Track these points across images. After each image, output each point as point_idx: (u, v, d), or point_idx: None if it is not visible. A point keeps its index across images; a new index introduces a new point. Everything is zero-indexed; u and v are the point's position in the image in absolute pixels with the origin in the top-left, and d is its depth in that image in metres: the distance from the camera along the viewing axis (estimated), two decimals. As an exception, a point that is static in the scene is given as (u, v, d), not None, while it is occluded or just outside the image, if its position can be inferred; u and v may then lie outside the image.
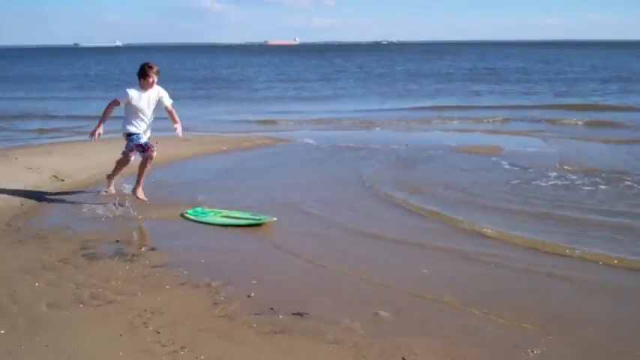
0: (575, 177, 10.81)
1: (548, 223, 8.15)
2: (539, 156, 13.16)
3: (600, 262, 6.62)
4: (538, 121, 19.53)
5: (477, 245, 7.24)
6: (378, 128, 18.67)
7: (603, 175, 10.85)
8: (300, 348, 4.66)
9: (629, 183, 10.32)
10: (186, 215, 8.46)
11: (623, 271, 6.43)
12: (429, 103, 25.94)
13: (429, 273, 6.35)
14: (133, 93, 8.88)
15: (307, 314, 5.22)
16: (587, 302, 5.68)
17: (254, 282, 5.99)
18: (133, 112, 8.98)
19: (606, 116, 20.09)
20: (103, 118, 8.94)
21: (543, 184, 10.36)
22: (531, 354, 4.60)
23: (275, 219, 8.06)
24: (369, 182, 10.58)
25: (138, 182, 9.17)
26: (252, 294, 5.68)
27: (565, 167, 11.60)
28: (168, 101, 9.21)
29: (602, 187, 10.10)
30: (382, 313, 5.27)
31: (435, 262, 6.73)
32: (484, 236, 7.57)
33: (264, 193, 9.86)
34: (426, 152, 13.53)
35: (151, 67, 8.88)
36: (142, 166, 9.09)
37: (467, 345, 4.72)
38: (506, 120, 20.06)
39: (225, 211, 8.61)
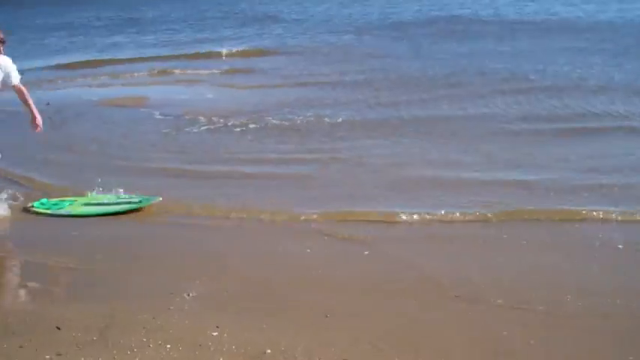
0: (224, 120, 11.10)
1: (203, 178, 8.18)
2: (186, 104, 13.11)
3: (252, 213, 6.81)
4: (179, 70, 19.46)
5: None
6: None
7: (244, 119, 11.23)
8: None
9: (275, 122, 10.94)
10: (34, 209, 6.77)
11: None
12: (66, 59, 24.26)
13: (78, 235, 6.21)
14: None
15: None
16: (242, 245, 6.02)
17: None
18: None
19: (244, 63, 20.89)
20: None
21: (196, 130, 10.57)
22: (187, 297, 4.77)
23: (160, 198, 6.83)
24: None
25: None
26: None
27: (212, 114, 11.68)
28: (16, 77, 6.76)
29: (252, 125, 10.64)
30: (31, 284, 4.99)
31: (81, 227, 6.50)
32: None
33: None
34: (70, 109, 12.72)
35: None
36: None
37: (122, 301, 4.70)
38: (149, 71, 19.71)
39: (83, 198, 7.05)
